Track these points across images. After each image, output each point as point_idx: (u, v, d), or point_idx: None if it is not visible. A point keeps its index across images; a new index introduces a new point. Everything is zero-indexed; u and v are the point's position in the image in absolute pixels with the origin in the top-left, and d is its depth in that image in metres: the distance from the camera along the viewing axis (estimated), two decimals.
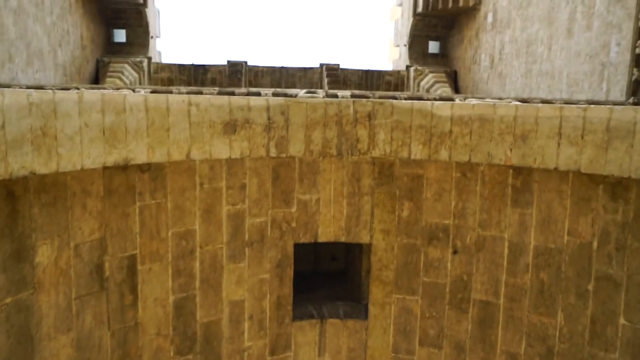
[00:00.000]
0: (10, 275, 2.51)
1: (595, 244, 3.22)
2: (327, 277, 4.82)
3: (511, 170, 3.48)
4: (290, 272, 3.79)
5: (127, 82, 7.97)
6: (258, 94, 3.45)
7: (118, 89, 3.31)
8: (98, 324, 3.00)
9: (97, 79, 8.06)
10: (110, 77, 7.88)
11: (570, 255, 3.31)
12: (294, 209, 3.70)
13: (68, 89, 2.90)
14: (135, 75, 8.23)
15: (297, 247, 3.86)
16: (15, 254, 2.54)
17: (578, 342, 3.31)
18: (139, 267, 3.19)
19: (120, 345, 3.14)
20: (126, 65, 8.12)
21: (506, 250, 3.54)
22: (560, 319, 3.37)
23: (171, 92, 3.23)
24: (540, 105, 3.26)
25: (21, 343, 2.58)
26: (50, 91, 2.62)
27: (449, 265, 3.71)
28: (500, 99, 3.66)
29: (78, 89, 2.96)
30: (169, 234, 3.30)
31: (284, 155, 3.47)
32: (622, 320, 3.10)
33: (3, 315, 2.48)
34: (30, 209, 2.63)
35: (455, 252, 3.68)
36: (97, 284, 2.97)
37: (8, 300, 2.51)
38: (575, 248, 3.30)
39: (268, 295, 3.74)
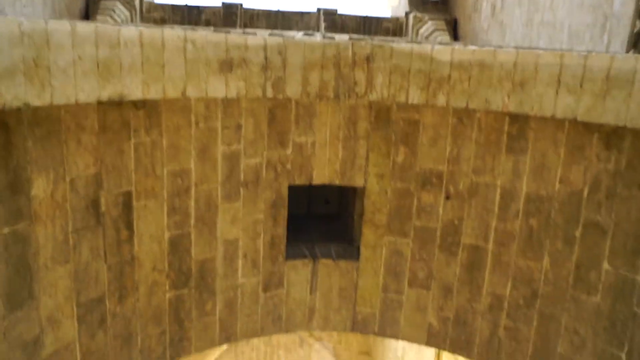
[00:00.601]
0: (6, 207, 2.52)
1: (585, 192, 3.27)
2: (320, 220, 4.89)
3: (508, 118, 3.48)
4: (284, 213, 3.84)
5: (119, 20, 7.75)
6: (254, 35, 3.37)
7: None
8: (95, 257, 3.05)
9: (87, 17, 7.83)
10: (101, 15, 7.66)
11: (561, 203, 3.37)
12: (289, 151, 3.71)
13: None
14: (127, 14, 8.00)
15: (292, 189, 3.89)
16: (10, 186, 2.55)
17: (562, 285, 3.42)
18: (135, 203, 3.21)
19: (116, 278, 3.21)
20: (118, 4, 7.87)
21: (498, 197, 3.60)
22: (546, 263, 3.47)
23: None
24: (540, 52, 3.23)
25: (19, 272, 2.63)
26: (42, 21, 2.55)
27: (440, 210, 3.77)
28: (500, 47, 3.61)
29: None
30: (164, 171, 3.30)
31: (280, 96, 3.44)
32: (605, 266, 3.20)
33: (1, 245, 2.51)
34: (24, 142, 2.61)
35: (447, 197, 3.73)
36: (93, 219, 3.00)
37: (5, 230, 2.53)
38: (566, 196, 3.35)
39: (262, 235, 3.80)
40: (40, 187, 2.68)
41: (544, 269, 3.49)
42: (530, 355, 3.66)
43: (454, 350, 3.99)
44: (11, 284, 2.59)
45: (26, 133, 2.62)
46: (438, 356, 6.66)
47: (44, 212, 2.71)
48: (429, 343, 4.05)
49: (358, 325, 4.17)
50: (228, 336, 3.92)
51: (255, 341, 13.58)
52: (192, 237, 3.54)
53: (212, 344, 3.87)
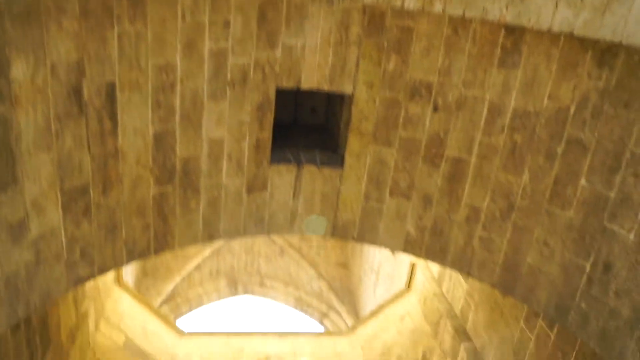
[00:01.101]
0: None
1: (572, 109, 3.28)
2: (306, 130, 4.88)
3: (503, 30, 3.40)
4: (270, 116, 3.81)
5: None
6: None
7: None
8: (78, 147, 3.03)
9: None
10: None
11: (547, 119, 3.38)
12: (278, 53, 3.61)
13: None
14: None
15: (279, 94, 3.83)
16: None
17: (538, 199, 3.52)
18: (118, 95, 3.14)
19: (100, 170, 3.21)
20: None
21: (485, 111, 3.59)
22: (525, 178, 3.55)
23: None
24: None
25: (2, 155, 2.60)
26: None
27: (427, 121, 3.77)
28: None
29: None
30: (149, 64, 3.21)
31: None
32: (582, 182, 3.28)
33: None
34: (2, 20, 2.49)
35: (435, 109, 3.72)
36: (75, 107, 2.94)
37: None
38: (553, 112, 3.36)
39: (247, 137, 3.79)
40: (19, 70, 2.59)
41: (523, 183, 3.57)
42: (500, 264, 3.84)
43: (428, 257, 4.16)
44: None
45: (3, 11, 2.49)
46: (412, 268, 6.97)
47: (25, 97, 2.64)
48: (405, 249, 4.21)
49: (338, 231, 4.29)
50: (211, 234, 4.01)
51: (236, 249, 14.01)
52: (177, 134, 3.51)
53: (195, 240, 3.96)
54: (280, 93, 3.93)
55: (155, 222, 3.68)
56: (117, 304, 6.25)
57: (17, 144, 2.68)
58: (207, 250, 13.49)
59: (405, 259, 8.77)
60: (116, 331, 5.92)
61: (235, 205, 3.99)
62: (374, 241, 4.27)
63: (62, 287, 3.24)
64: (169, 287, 12.78)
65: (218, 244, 13.55)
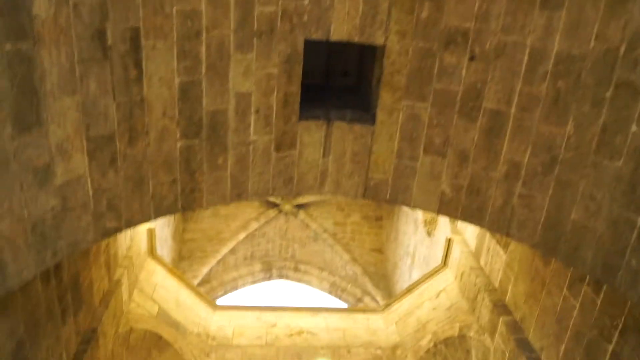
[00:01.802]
0: (7, 21, 2.42)
1: (622, 50, 3.03)
2: (337, 92, 4.74)
3: None
4: (298, 69, 3.69)
5: None
6: None
7: None
8: (103, 93, 2.99)
9: None
10: None
11: (593, 62, 3.14)
12: (306, 1, 3.48)
13: None
14: None
15: (309, 53, 3.70)
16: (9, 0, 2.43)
17: (584, 151, 3.28)
18: (143, 41, 3.09)
19: (126, 119, 3.17)
20: None
21: (526, 57, 3.37)
22: (569, 128, 3.31)
23: None
24: None
25: (26, 95, 2.58)
26: None
27: (463, 72, 3.58)
28: None
29: None
30: (174, 10, 3.14)
31: None
32: (633, 128, 3.03)
33: (5, 62, 2.44)
34: None
35: (472, 58, 3.52)
36: (99, 52, 2.90)
37: (8, 47, 2.44)
38: (600, 54, 3.11)
39: (275, 91, 3.69)
40: (42, 7, 2.55)
41: (567, 134, 3.34)
42: (542, 223, 3.61)
43: (465, 218, 3.97)
44: (18, 105, 2.56)
45: None
46: (448, 244, 6.75)
47: (47, 35, 2.61)
48: (440, 211, 4.03)
49: (370, 192, 4.15)
50: (239, 193, 3.94)
51: (270, 234, 14.01)
52: (203, 85, 3.44)
53: (224, 200, 3.90)
54: (311, 50, 3.80)
55: (182, 178, 3.62)
56: (150, 276, 6.30)
57: (42, 85, 2.65)
58: (242, 234, 13.55)
59: (441, 240, 8.53)
60: (150, 301, 5.96)
61: (264, 163, 3.90)
62: (407, 202, 4.10)
63: (90, 237, 3.22)
64: (204, 270, 12.90)
65: (252, 227, 13.60)
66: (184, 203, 3.73)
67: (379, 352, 6.38)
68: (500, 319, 5.17)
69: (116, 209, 3.34)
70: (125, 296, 5.38)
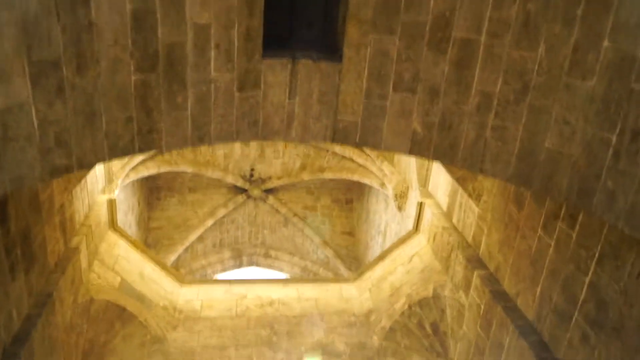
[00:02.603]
0: None
1: None
2: (302, 43, 4.55)
3: None
4: (260, 2, 3.50)
5: None
6: None
7: None
8: (45, 13, 2.73)
9: None
10: None
11: None
12: None
13: None
14: None
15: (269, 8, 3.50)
16: None
17: (556, 73, 3.20)
18: None
19: (73, 44, 2.92)
20: None
21: None
22: (541, 51, 3.23)
23: None
24: None
25: None
26: None
27: (431, 1, 3.45)
28: None
29: None
30: None
31: None
32: (605, 43, 2.95)
33: None
34: None
35: None
36: None
37: None
38: None
39: (236, 25, 3.48)
40: None
41: (539, 58, 3.25)
42: (516, 154, 3.53)
43: (437, 157, 3.85)
44: None
45: None
46: (420, 208, 6.67)
47: None
48: (412, 151, 3.91)
49: (339, 135, 3.99)
50: (201, 136, 3.73)
51: (239, 220, 13.74)
52: (158, 14, 3.21)
53: (184, 143, 3.68)
54: (273, 6, 3.61)
55: (138, 116, 3.39)
56: (111, 248, 6.00)
57: None
58: (210, 221, 13.24)
59: (412, 213, 8.46)
60: (111, 273, 5.66)
61: (227, 104, 3.70)
62: (377, 144, 3.97)
63: (37, 173, 2.96)
64: (172, 259, 12.55)
65: (220, 213, 13.30)
66: (141, 144, 3.49)
67: (352, 318, 6.25)
68: (475, 273, 5.10)
69: (66, 144, 3.08)
70: (84, 264, 5.08)
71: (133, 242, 6.42)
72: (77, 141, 3.14)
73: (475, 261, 5.22)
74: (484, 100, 3.55)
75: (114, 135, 3.33)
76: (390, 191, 10.05)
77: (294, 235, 13.85)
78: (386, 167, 10.40)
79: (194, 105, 3.59)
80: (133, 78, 3.27)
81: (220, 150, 12.54)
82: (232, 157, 12.72)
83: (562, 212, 3.80)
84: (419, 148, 3.90)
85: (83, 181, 5.16)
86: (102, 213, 5.92)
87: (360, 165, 11.44)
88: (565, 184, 3.31)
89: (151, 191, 13.36)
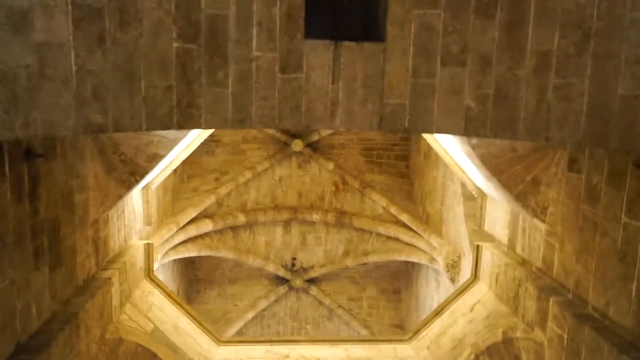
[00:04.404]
0: None
1: None
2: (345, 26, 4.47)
3: None
4: None
5: None
6: None
7: None
8: None
9: None
10: None
11: None
12: None
13: None
14: None
15: None
16: None
17: (618, 12, 2.98)
18: None
19: None
20: None
21: None
22: None
23: None
24: None
25: None
26: None
27: None
28: None
29: None
30: None
31: None
32: None
33: None
34: None
35: None
36: None
37: None
38: None
39: (278, 3, 3.49)
40: None
41: (597, 1, 3.06)
42: (585, 111, 3.19)
43: (496, 133, 3.52)
44: None
45: None
46: (477, 253, 6.07)
47: None
48: (467, 131, 3.60)
49: (386, 121, 3.75)
50: (242, 118, 3.56)
51: (281, 314, 13.01)
52: None
53: (224, 122, 3.52)
54: None
55: (178, 86, 3.29)
56: (145, 295, 5.59)
57: None
58: (250, 314, 12.58)
59: (464, 278, 7.77)
60: (143, 318, 5.21)
61: (268, 85, 3.58)
62: (428, 128, 3.69)
63: (70, 124, 2.83)
64: None
65: (261, 305, 12.66)
66: (180, 118, 3.35)
67: None
68: (551, 300, 4.42)
69: (102, 99, 2.97)
70: (115, 301, 4.70)
71: (169, 294, 6.00)
72: (114, 99, 3.03)
73: (548, 289, 4.55)
74: (541, 60, 3.31)
75: (153, 102, 3.22)
76: (441, 264, 9.39)
77: (339, 329, 12.91)
78: (434, 240, 9.84)
79: (235, 83, 3.49)
80: (175, 45, 3.23)
81: (261, 237, 12.32)
82: (273, 245, 12.44)
83: None
84: (473, 126, 3.60)
85: (121, 207, 4.99)
86: (138, 257, 5.64)
87: (406, 244, 10.90)
88: None
89: (190, 283, 12.99)
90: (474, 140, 4.56)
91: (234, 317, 12.52)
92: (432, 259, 9.97)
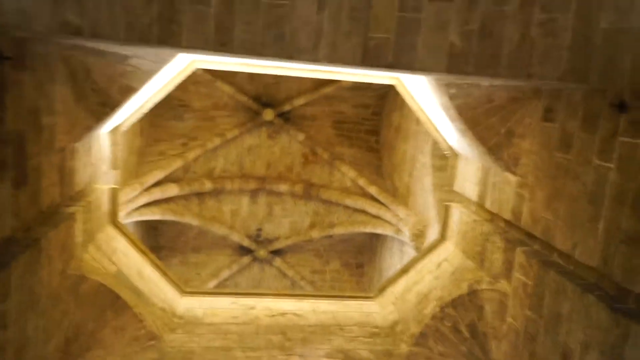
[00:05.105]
0: None
1: None
2: None
3: None
4: None
5: None
6: None
7: None
8: None
9: None
10: None
11: None
12: None
13: None
14: None
15: None
16: None
17: None
18: None
19: None
20: None
21: None
22: None
23: None
24: None
25: None
26: None
27: None
28: None
29: None
30: None
31: None
32: None
33: None
34: None
35: None
36: None
37: None
38: None
39: None
40: None
41: None
42: (568, 46, 3.24)
43: (478, 71, 3.55)
44: None
45: None
46: (445, 218, 6.15)
47: None
48: (449, 69, 3.61)
49: (369, 55, 3.72)
50: (224, 41, 3.46)
51: (244, 285, 12.92)
52: None
53: (205, 44, 3.41)
54: None
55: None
56: (110, 240, 5.41)
57: None
58: (212, 283, 12.44)
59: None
60: (107, 260, 5.04)
61: (253, 9, 3.48)
62: (411, 64, 3.68)
63: (45, 22, 2.67)
64: None
65: (223, 275, 12.53)
66: (160, 33, 3.22)
67: (375, 330, 5.47)
68: (517, 250, 4.53)
69: (80, 2, 2.81)
70: (78, 238, 4.53)
71: (134, 241, 5.83)
72: (93, 3, 2.88)
73: (515, 241, 4.66)
74: None
75: (133, 12, 3.08)
76: (407, 234, 9.50)
77: None
78: (401, 211, 9.95)
79: (218, 3, 3.38)
80: None
81: (227, 206, 12.17)
82: (239, 215, 12.30)
83: (621, 124, 3.41)
84: (457, 63, 3.60)
85: (88, 143, 4.79)
86: (103, 201, 5.45)
87: (373, 216, 10.97)
88: (629, 62, 2.98)
89: (152, 250, 12.68)
90: (452, 90, 4.59)
91: (195, 285, 12.34)
92: (398, 230, 10.08)
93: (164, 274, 5.99)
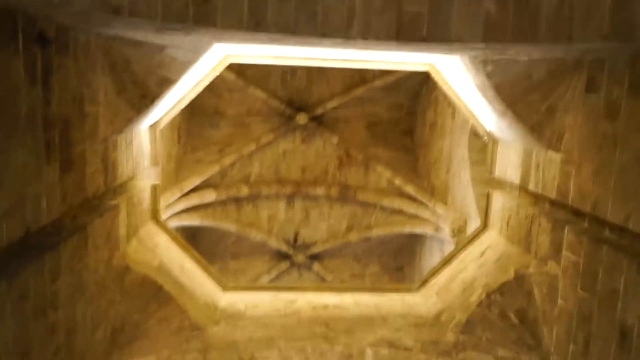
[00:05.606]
0: None
1: None
2: None
3: None
4: None
5: None
6: None
7: None
8: None
9: None
10: None
11: None
12: None
13: None
14: None
15: None
16: None
17: None
18: None
19: None
20: None
21: None
22: None
23: None
24: None
25: None
26: None
27: None
28: None
29: None
30: None
31: None
32: None
33: None
34: None
35: None
36: None
37: None
38: None
39: None
40: None
41: None
42: (610, 4, 3.12)
43: (516, 39, 3.46)
44: None
45: None
46: (487, 207, 6.01)
47: None
48: (486, 38, 3.53)
49: (403, 31, 3.68)
50: (258, 21, 3.49)
51: None
52: None
53: (240, 25, 3.45)
54: None
55: None
56: (152, 235, 5.51)
57: None
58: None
59: None
60: (150, 253, 5.12)
61: None
62: (446, 37, 3.62)
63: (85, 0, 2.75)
64: None
65: (262, 282, 12.56)
66: (196, 13, 3.28)
67: (420, 320, 5.35)
68: (565, 229, 4.36)
69: None
70: (122, 230, 4.62)
71: (176, 237, 5.93)
72: None
73: (562, 220, 4.49)
74: None
75: None
76: (446, 231, 9.33)
77: None
78: (440, 208, 9.79)
79: None
80: None
81: (264, 211, 12.25)
82: (276, 220, 12.36)
83: None
84: (493, 32, 3.53)
85: (130, 137, 4.90)
86: (145, 197, 5.56)
87: (411, 216, 10.84)
88: None
89: None
90: (489, 68, 4.50)
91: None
92: (438, 228, 9.91)
93: (206, 269, 6.05)
